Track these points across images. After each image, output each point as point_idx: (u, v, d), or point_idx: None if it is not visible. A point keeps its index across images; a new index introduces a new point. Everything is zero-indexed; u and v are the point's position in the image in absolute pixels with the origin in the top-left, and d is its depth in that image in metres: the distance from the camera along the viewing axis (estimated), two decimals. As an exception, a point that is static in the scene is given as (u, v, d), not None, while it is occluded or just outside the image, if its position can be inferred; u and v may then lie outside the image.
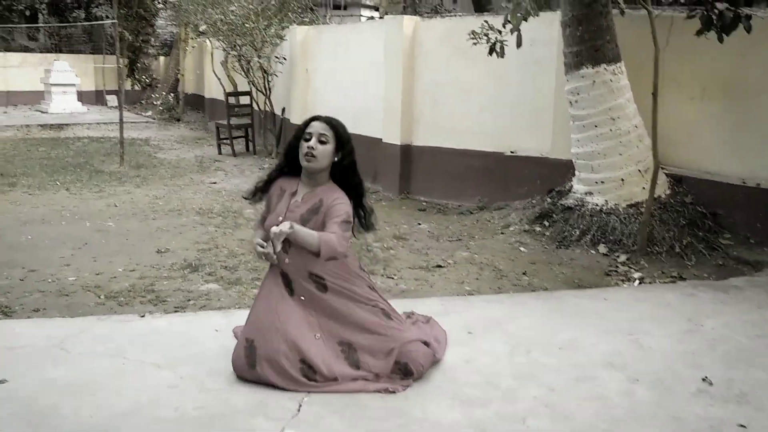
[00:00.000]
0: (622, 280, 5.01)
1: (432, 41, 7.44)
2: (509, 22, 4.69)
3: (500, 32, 5.28)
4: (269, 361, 2.97)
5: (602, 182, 5.80)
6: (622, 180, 5.74)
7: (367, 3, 18.95)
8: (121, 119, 9.85)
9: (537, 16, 4.60)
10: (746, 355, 3.52)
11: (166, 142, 12.74)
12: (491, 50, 5.33)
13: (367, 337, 3.08)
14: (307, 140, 3.01)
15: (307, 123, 3.09)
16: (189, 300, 4.33)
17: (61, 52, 19.55)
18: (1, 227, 6.01)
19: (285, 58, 10.31)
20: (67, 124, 14.14)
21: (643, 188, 5.69)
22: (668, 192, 5.83)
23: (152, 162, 10.14)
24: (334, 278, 3.08)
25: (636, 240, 5.50)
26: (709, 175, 5.86)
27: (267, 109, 10.88)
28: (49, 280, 4.64)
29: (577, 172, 6.05)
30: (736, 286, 4.72)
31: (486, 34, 5.33)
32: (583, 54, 5.67)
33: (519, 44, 4.94)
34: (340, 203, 3.02)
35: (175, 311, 4.13)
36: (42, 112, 15.91)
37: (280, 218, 3.00)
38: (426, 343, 3.18)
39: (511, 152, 7.01)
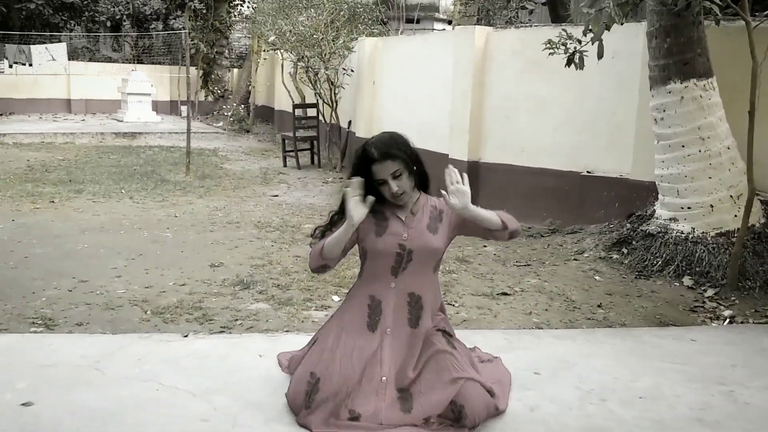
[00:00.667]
0: (710, 318, 4.51)
1: (504, 53, 7.07)
2: (590, 30, 4.29)
3: (579, 42, 4.87)
4: (325, 405, 2.67)
5: (689, 208, 5.29)
6: (711, 206, 5.21)
7: (441, 17, 18.69)
8: (188, 129, 9.87)
9: (621, 24, 4.18)
10: None
11: (233, 153, 12.76)
12: (569, 62, 4.93)
13: (432, 374, 2.73)
14: (382, 184, 2.72)
15: (366, 166, 2.72)
16: (236, 320, 4.09)
17: (141, 62, 20.07)
18: (59, 234, 5.96)
19: (352, 70, 10.12)
20: (140, 133, 14.39)
21: (735, 216, 5.16)
22: (763, 221, 5.27)
23: (217, 173, 10.11)
24: (432, 302, 2.88)
25: (725, 273, 4.97)
26: (811, 204, 5.27)
27: (333, 121, 10.72)
28: (98, 292, 4.50)
29: (660, 196, 5.55)
30: None
31: (564, 44, 4.93)
32: (670, 68, 5.20)
33: (600, 55, 4.53)
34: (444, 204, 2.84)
35: (221, 331, 3.90)
36: (118, 120, 16.29)
37: (404, 235, 2.78)
38: (490, 392, 2.81)
39: (588, 172, 6.55)
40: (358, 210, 2.65)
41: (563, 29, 5.05)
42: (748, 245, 5.08)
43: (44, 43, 16.58)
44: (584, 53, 4.86)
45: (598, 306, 4.64)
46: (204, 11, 18.23)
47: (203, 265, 5.21)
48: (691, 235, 5.26)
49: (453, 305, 4.52)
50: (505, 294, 4.82)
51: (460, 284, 5.01)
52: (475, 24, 10.99)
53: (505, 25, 9.01)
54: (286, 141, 11.20)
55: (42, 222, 6.42)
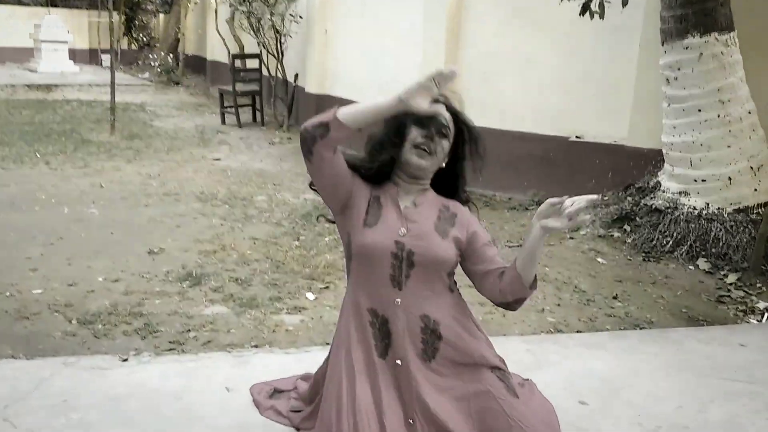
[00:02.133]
0: (743, 312, 3.93)
1: (484, 2, 6.24)
2: None
3: (599, -14, 4.12)
4: None
5: (703, 180, 4.69)
6: (730, 179, 4.63)
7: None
8: (112, 83, 8.71)
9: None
10: None
11: (163, 108, 11.54)
12: (584, 9, 4.17)
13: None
14: (421, 126, 2.00)
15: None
16: (188, 330, 3.23)
17: (56, 6, 18.21)
18: (-43, 212, 4.89)
19: (301, 17, 9.08)
20: (56, 85, 12.93)
21: (755, 190, 4.60)
22: (786, 196, 4.73)
23: (147, 131, 8.97)
24: (461, 337, 2.05)
25: (746, 255, 4.42)
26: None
27: (278, 75, 9.68)
28: (8, 294, 3.53)
29: (668, 166, 4.93)
30: None
31: (580, -13, 4.17)
32: (689, 18, 4.52)
33: (625, 2, 3.78)
34: (474, 218, 2.14)
35: (170, 349, 3.04)
36: (31, 71, 14.68)
37: (402, 230, 2.01)
38: None
39: (577, 137, 5.87)
40: (423, 99, 1.79)
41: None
42: (768, 223, 4.53)
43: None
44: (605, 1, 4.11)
45: (614, 298, 4.01)
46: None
47: (139, 251, 4.28)
48: (705, 212, 4.68)
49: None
50: (506, 284, 4.11)
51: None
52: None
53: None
54: (225, 96, 10.11)
55: (-64, 195, 5.31)
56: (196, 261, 4.17)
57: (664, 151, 4.93)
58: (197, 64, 16.20)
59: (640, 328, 3.59)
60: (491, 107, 6.30)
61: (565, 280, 4.24)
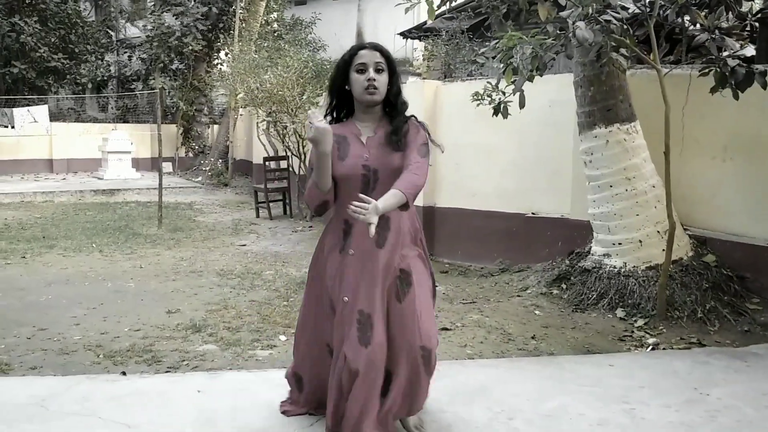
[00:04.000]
0: (636, 346, 4.77)
1: (454, 104, 7.47)
2: (496, 85, 4.68)
3: (504, 93, 5.26)
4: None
5: (620, 243, 5.61)
6: (640, 241, 5.54)
7: (413, 70, 19.30)
8: (160, 183, 10.20)
9: (531, 77, 4.55)
10: (748, 428, 3.26)
11: (209, 206, 13.07)
12: (496, 111, 5.31)
13: (397, 320, 2.82)
14: (362, 72, 2.75)
15: (353, 53, 2.79)
16: (183, 360, 4.33)
17: (126, 122, 20.52)
18: (25, 287, 6.20)
19: (319, 123, 10.50)
20: (118, 190, 14.69)
21: (663, 250, 5.46)
22: (690, 254, 5.59)
23: (189, 225, 10.39)
24: (408, 226, 2.89)
25: (655, 304, 5.27)
26: (735, 237, 5.60)
27: (302, 172, 11.07)
28: (55, 339, 4.73)
29: (595, 234, 5.88)
30: (756, 353, 4.43)
31: (489, 95, 5.32)
32: (595, 114, 5.59)
33: (522, 105, 4.90)
34: (416, 127, 2.84)
35: (167, 371, 4.13)
36: (98, 178, 16.61)
37: (365, 156, 2.78)
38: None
39: (532, 213, 6.89)
40: (318, 129, 2.58)
41: (488, 82, 5.44)
42: (676, 277, 5.39)
43: (30, 105, 17.04)
44: (508, 103, 5.24)
45: (532, 338, 4.91)
46: (183, 70, 18.78)
47: (160, 311, 5.46)
48: (623, 269, 5.57)
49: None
50: (446, 329, 5.07)
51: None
52: (441, 78, 11.46)
53: (455, 78, 9.44)
54: (258, 192, 11.54)
55: (10, 276, 6.66)
56: (201, 317, 5.30)
57: (591, 222, 5.88)
58: (245, 168, 17.91)
59: (539, 356, 4.50)
60: (463, 190, 7.42)
61: (497, 326, 5.17)
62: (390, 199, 2.58)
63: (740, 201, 5.63)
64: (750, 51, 6.96)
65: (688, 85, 5.52)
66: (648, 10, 4.92)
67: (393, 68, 2.81)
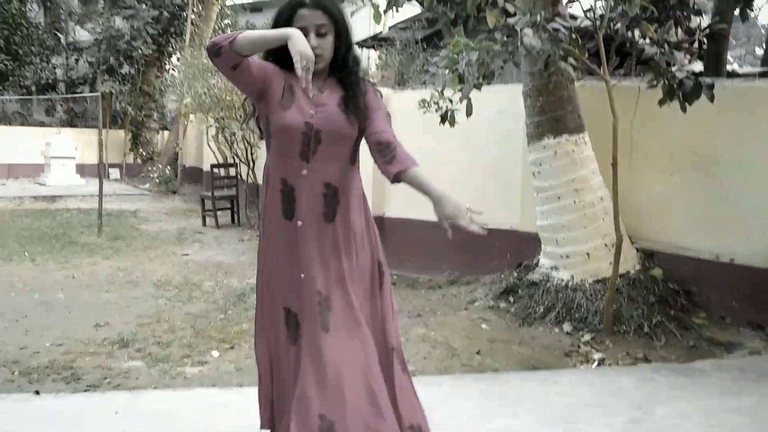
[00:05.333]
0: (582, 362, 4.66)
1: (404, 112, 7.24)
2: (441, 92, 4.55)
3: (451, 101, 5.13)
4: None
5: (567, 256, 5.52)
6: (588, 254, 5.45)
7: (371, 80, 19.08)
8: (100, 190, 9.83)
9: (478, 84, 4.42)
10: (693, 449, 3.15)
11: (154, 214, 12.67)
12: (443, 119, 5.17)
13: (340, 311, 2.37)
14: (305, 35, 2.32)
15: (291, 10, 2.37)
16: (105, 378, 4.05)
17: (75, 126, 19.86)
18: (-57, 298, 5.81)
19: (268, 130, 10.26)
20: (60, 196, 14.15)
21: (610, 263, 5.38)
22: (638, 267, 5.52)
23: (131, 233, 10.01)
24: (356, 200, 2.48)
25: (602, 318, 5.17)
26: (682, 250, 5.55)
27: (251, 180, 10.80)
28: (-33, 355, 4.40)
29: (543, 246, 5.78)
30: (702, 369, 4.35)
31: (436, 103, 5.18)
32: (543, 124, 5.50)
33: (469, 113, 4.78)
34: (375, 92, 2.53)
35: (86, 390, 3.85)
36: (40, 184, 16.00)
37: (311, 112, 2.38)
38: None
39: (482, 225, 6.75)
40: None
41: (435, 89, 5.30)
42: (623, 291, 5.31)
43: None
44: (455, 111, 5.11)
45: (477, 353, 4.75)
46: (133, 75, 18.30)
47: (87, 325, 5.14)
48: (570, 283, 5.47)
49: (333, 357, 4.56)
50: (389, 345, 4.88)
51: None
52: (394, 87, 11.32)
53: (407, 87, 9.31)
54: (205, 200, 11.21)
55: (-72, 286, 6.25)
56: (131, 330, 5.00)
57: (539, 234, 5.78)
58: (196, 175, 17.50)
59: (483, 373, 4.34)
60: (413, 200, 7.18)
61: (442, 341, 5.00)
62: (424, 178, 2.46)
63: (688, 215, 5.59)
64: (698, 66, 7.00)
65: (637, 97, 5.47)
66: (598, 22, 4.85)
67: (339, 26, 2.40)
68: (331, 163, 2.40)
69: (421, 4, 5.14)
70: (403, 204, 7.41)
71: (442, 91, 4.97)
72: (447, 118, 5.10)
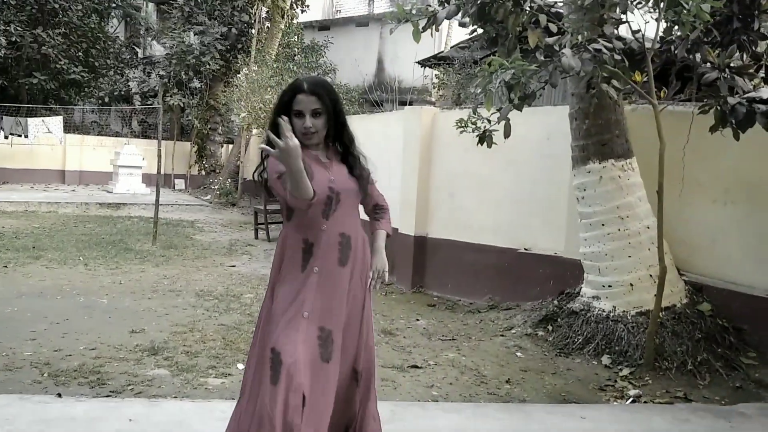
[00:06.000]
0: (616, 397, 4.44)
1: (449, 133, 7.21)
2: (474, 111, 4.46)
3: (489, 121, 5.02)
4: None
5: (610, 286, 5.30)
6: (631, 285, 5.22)
7: (431, 99, 19.22)
8: (157, 200, 10.09)
9: (513, 104, 4.31)
10: (719, 500, 2.93)
11: (210, 224, 12.92)
12: (481, 140, 5.07)
13: (354, 331, 2.82)
14: (300, 116, 2.70)
15: (291, 95, 2.73)
16: (129, 385, 4.09)
17: (148, 137, 20.60)
18: (-6, 298, 6.03)
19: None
20: (125, 204, 14.62)
21: (655, 295, 5.15)
22: (685, 301, 5.26)
23: (184, 243, 10.23)
24: (362, 243, 2.84)
25: (643, 353, 4.93)
26: (734, 286, 5.26)
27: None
28: (3, 353, 4.52)
29: (585, 274, 5.57)
30: (744, 413, 4.08)
31: (474, 123, 5.08)
32: (589, 148, 5.32)
33: (507, 134, 4.65)
34: (363, 159, 2.91)
35: (108, 396, 3.89)
36: (108, 191, 16.59)
37: (331, 177, 2.73)
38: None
39: (525, 249, 6.59)
40: (290, 146, 2.45)
41: (472, 109, 5.21)
42: (667, 325, 5.06)
43: (50, 115, 17.16)
44: (493, 132, 5.00)
45: (506, 381, 4.60)
46: (201, 89, 18.82)
47: (123, 331, 5.23)
48: (612, 314, 5.25)
49: (357, 377, 4.48)
50: (416, 367, 4.79)
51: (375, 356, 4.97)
52: (452, 107, 11.27)
53: (461, 107, 9.22)
54: (258, 214, 11.36)
55: (-16, 285, 6.51)
56: (163, 338, 5.07)
57: (581, 261, 5.58)
58: (255, 188, 17.85)
59: (508, 403, 4.19)
60: (457, 222, 7.15)
61: (472, 367, 4.87)
62: (382, 242, 2.92)
63: (741, 248, 5.30)
64: (766, 92, 6.67)
65: (689, 123, 5.25)
66: (648, 44, 4.67)
67: (331, 107, 2.75)
68: (347, 216, 2.79)
69: (462, 25, 5.05)
70: (446, 225, 7.31)
71: (475, 111, 4.87)
72: (484, 138, 4.99)
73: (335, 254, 2.72)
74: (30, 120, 16.37)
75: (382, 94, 18.04)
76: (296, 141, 2.45)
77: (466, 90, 11.43)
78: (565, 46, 4.07)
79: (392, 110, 17.69)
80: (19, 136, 16.21)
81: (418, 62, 15.92)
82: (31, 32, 17.87)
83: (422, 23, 4.49)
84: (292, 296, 2.69)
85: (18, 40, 17.60)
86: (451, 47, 15.59)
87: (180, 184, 19.84)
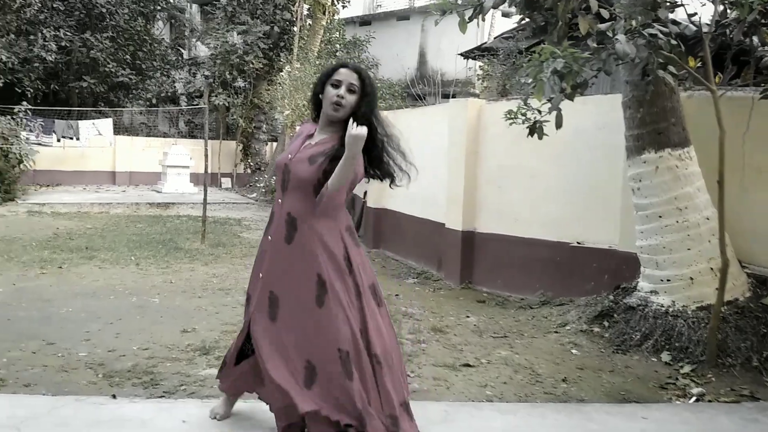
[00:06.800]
0: (678, 396, 4.27)
1: (496, 124, 7.08)
2: (525, 102, 4.33)
3: (540, 112, 4.88)
4: None
5: (668, 280, 5.11)
6: (691, 278, 5.02)
7: (475, 91, 18.94)
8: (205, 199, 10.17)
9: (563, 93, 4.17)
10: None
11: (257, 222, 13.01)
12: (531, 131, 4.93)
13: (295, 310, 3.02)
14: (336, 87, 2.93)
15: (335, 68, 2.99)
16: (182, 385, 4.09)
17: (195, 137, 20.93)
18: (49, 298, 6.13)
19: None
20: (173, 203, 14.85)
21: (716, 289, 4.95)
22: (748, 294, 5.04)
23: (233, 241, 10.30)
24: (314, 229, 2.93)
25: (705, 349, 4.74)
26: (801, 278, 5.03)
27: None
28: (59, 354, 4.58)
29: (642, 268, 5.39)
30: (817, 413, 3.87)
31: (524, 114, 4.94)
32: (644, 137, 5.14)
33: (559, 125, 4.51)
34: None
35: (162, 396, 3.90)
36: (157, 191, 16.88)
37: (290, 156, 2.99)
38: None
39: (578, 243, 6.42)
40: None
41: (522, 99, 5.07)
42: (730, 320, 4.86)
43: (99, 118, 17.55)
44: (544, 123, 4.86)
45: (563, 380, 4.47)
46: (245, 88, 18.99)
47: (175, 330, 5.26)
48: (671, 309, 5.07)
49: (408, 376, 4.41)
50: (469, 365, 4.69)
51: (425, 354, 4.90)
52: (497, 97, 11.10)
53: (509, 98, 9.04)
54: (305, 211, 11.39)
55: (40, 287, 6.63)
56: (215, 338, 5.08)
57: (638, 254, 5.40)
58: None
59: (565, 403, 4.06)
60: (506, 216, 7.02)
61: (526, 365, 4.75)
62: (340, 173, 2.84)
63: (808, 238, 5.06)
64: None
65: (749, 109, 5.02)
66: (705, 28, 4.48)
67: (366, 91, 2.94)
68: (297, 199, 2.94)
69: (506, 15, 4.91)
70: (494, 219, 7.18)
71: (526, 101, 4.74)
72: (535, 130, 4.85)
73: (283, 230, 2.95)
74: (81, 123, 16.75)
75: (424, 88, 17.93)
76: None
77: (512, 81, 11.23)
78: (618, 32, 3.91)
79: (435, 103, 17.58)
80: (71, 138, 16.60)
81: (461, 54, 15.76)
82: (80, 37, 18.28)
83: (468, 13, 4.36)
84: (259, 256, 3.16)
85: (67, 45, 18.00)
86: (494, 38, 15.37)
87: (226, 182, 20.07)
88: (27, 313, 5.64)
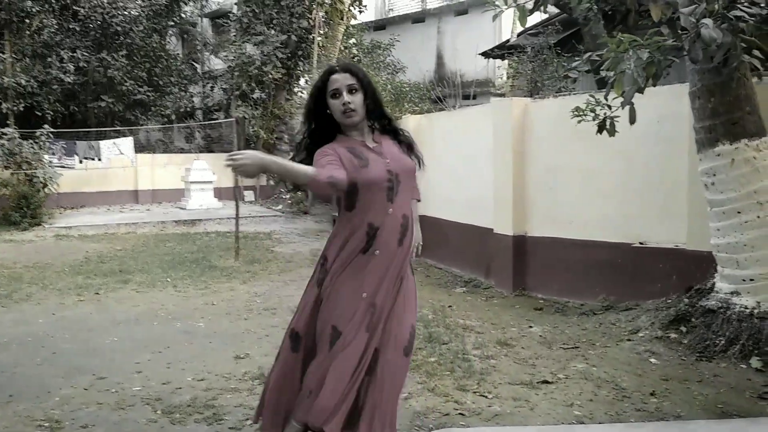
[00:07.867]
0: (782, 407, 3.94)
1: (545, 123, 6.79)
2: (605, 96, 4.02)
3: (610, 107, 4.57)
4: None
5: (752, 279, 4.77)
6: (778, 277, 4.69)
7: (496, 91, 18.66)
8: (237, 215, 9.92)
9: (643, 88, 3.86)
10: None
11: (288, 235, 12.76)
12: (600, 128, 4.62)
13: (401, 308, 2.99)
14: (337, 96, 2.82)
15: (325, 78, 2.86)
16: (246, 419, 3.82)
17: (212, 152, 20.73)
18: (92, 327, 5.90)
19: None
20: (200, 220, 14.63)
21: (807, 288, 4.62)
22: (842, 292, 4.69)
23: (267, 256, 10.05)
24: (413, 219, 3.04)
25: (800, 353, 4.40)
26: None
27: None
28: (113, 390, 4.32)
29: (719, 267, 5.05)
30: None
31: (593, 110, 4.64)
32: (717, 129, 4.81)
33: (632, 120, 4.20)
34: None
35: (229, 432, 3.64)
36: (181, 208, 16.67)
37: (388, 160, 2.84)
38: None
39: (641, 243, 6.09)
40: (246, 155, 2.64)
41: (591, 95, 4.76)
42: (825, 320, 4.51)
43: (118, 137, 17.40)
44: (615, 119, 4.55)
45: (651, 394, 4.15)
46: (264, 99, 18.77)
47: (228, 356, 5.00)
48: (756, 311, 4.73)
49: (486, 397, 4.11)
50: (547, 382, 4.39)
51: (498, 371, 4.60)
52: (526, 95, 10.78)
53: (544, 95, 8.73)
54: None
55: (80, 315, 6.39)
56: (270, 363, 4.80)
57: (714, 253, 5.06)
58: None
59: (665, 421, 3.74)
60: (559, 218, 6.70)
61: (607, 379, 4.43)
62: (416, 214, 3.11)
63: None
64: None
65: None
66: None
67: (365, 86, 2.85)
68: (406, 196, 2.89)
69: (534, 10, 4.62)
70: (547, 222, 6.86)
71: (605, 96, 4.42)
72: (605, 126, 4.54)
73: (396, 236, 2.83)
74: (102, 143, 16.60)
75: (444, 90, 17.63)
76: (244, 152, 2.55)
77: (542, 77, 10.91)
78: (701, 16, 3.59)
79: (456, 105, 17.27)
80: (93, 159, 16.45)
81: (483, 54, 15.43)
82: (97, 56, 18.15)
83: (530, 5, 4.07)
84: (352, 279, 2.82)
85: (85, 65, 17.88)
86: (518, 35, 15.04)
87: (249, 195, 19.84)
88: (72, 345, 5.40)
